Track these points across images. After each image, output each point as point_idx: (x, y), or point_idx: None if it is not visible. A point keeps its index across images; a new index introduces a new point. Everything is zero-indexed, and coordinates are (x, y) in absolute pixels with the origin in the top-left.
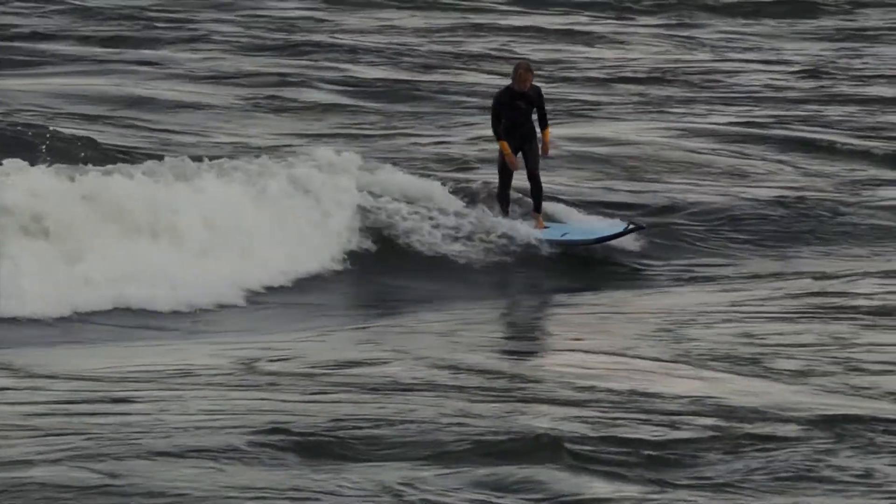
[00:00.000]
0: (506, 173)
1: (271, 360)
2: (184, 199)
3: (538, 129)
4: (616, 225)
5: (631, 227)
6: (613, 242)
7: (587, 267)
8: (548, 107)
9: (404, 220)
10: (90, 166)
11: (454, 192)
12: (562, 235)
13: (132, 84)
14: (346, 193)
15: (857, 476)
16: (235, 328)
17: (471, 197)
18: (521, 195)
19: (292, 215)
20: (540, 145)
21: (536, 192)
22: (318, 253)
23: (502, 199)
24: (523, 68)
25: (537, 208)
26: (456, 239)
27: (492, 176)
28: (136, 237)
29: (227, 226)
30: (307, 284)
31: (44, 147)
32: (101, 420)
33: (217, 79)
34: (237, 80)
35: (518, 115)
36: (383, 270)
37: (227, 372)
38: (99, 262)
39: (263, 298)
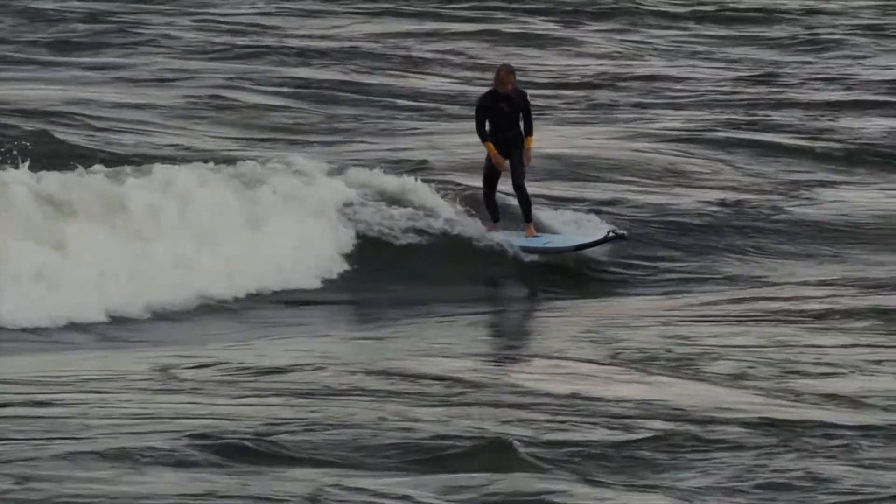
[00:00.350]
0: (491, 178)
1: (190, 367)
2: (167, 204)
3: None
4: (597, 232)
5: (611, 234)
6: (590, 249)
7: (539, 271)
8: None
9: (388, 225)
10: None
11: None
12: (544, 244)
13: (76, 87)
14: (331, 198)
15: (799, 478)
16: (175, 337)
17: (461, 203)
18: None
19: (277, 222)
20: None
21: (523, 203)
22: (299, 262)
23: (489, 205)
24: (504, 70)
25: (527, 218)
26: (434, 243)
27: (441, 177)
28: (117, 243)
29: (209, 232)
30: (286, 294)
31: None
32: (19, 425)
33: (163, 81)
34: (183, 82)
35: (502, 117)
36: (359, 279)
37: (148, 377)
38: (84, 269)
39: (235, 306)
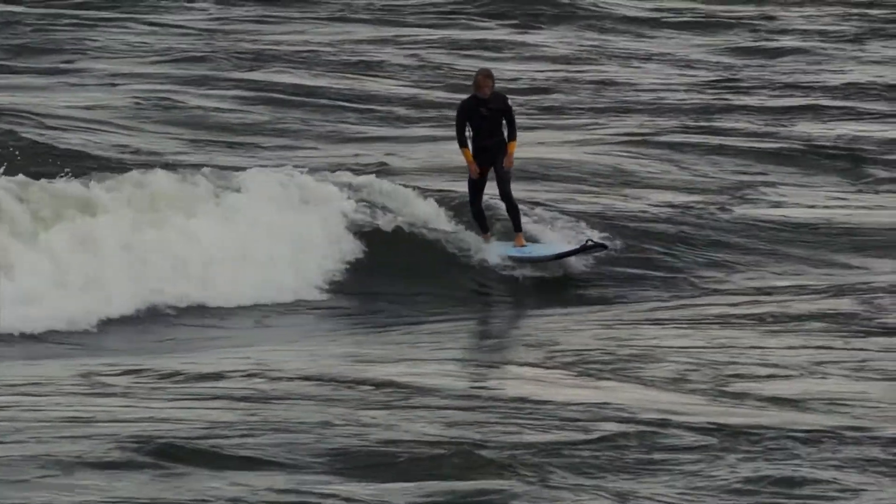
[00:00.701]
0: (475, 187)
1: (117, 375)
2: (152, 210)
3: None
4: (577, 241)
5: (589, 243)
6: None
7: (486, 277)
8: (452, 111)
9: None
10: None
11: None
12: (528, 253)
13: (23, 90)
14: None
15: (744, 481)
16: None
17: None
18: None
19: (258, 229)
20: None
21: (511, 212)
22: (291, 275)
23: (477, 215)
24: (482, 74)
25: (516, 227)
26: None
27: (401, 180)
28: (101, 250)
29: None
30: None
31: None
32: None
33: (114, 85)
34: (135, 85)
35: (482, 122)
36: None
37: (75, 383)
38: (69, 276)
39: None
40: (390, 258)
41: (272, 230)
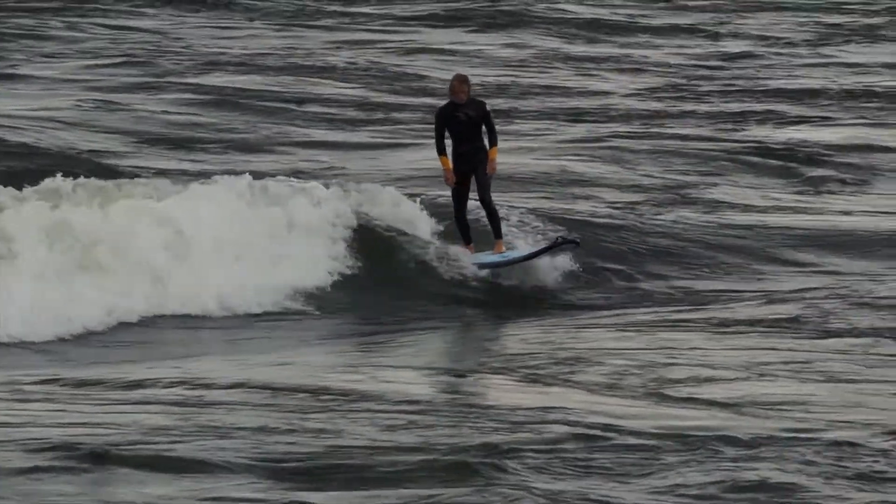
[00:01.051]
0: (457, 195)
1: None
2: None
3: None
4: (548, 239)
5: (559, 240)
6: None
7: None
8: (401, 114)
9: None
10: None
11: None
12: (504, 258)
13: None
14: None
15: (690, 485)
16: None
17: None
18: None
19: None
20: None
21: (491, 219)
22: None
23: (460, 224)
24: (457, 80)
25: (496, 234)
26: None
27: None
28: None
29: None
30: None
31: None
32: None
33: (65, 88)
34: (83, 89)
35: (459, 128)
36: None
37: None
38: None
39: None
40: (347, 261)
41: (213, 241)
